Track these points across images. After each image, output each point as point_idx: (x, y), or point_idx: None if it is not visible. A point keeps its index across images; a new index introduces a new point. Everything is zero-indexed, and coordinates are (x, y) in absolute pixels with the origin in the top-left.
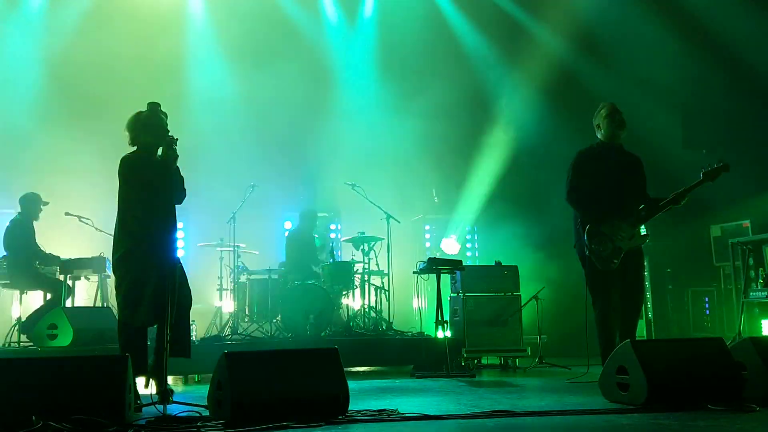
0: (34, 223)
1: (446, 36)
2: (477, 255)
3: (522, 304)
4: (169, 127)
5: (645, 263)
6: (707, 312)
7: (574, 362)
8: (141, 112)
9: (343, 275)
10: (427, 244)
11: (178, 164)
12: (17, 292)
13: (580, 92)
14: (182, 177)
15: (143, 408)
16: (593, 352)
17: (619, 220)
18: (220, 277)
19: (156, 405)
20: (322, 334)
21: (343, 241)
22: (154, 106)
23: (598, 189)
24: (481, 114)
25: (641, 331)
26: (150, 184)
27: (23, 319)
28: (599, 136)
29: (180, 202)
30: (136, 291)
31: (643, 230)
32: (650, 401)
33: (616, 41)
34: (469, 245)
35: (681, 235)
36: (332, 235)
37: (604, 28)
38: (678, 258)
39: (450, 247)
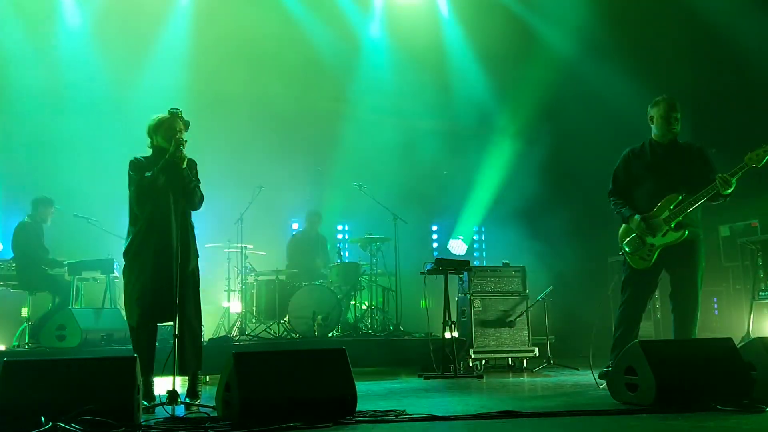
0: (44, 226)
1: (452, 37)
2: (484, 255)
3: (530, 304)
4: (186, 134)
5: (698, 259)
6: (716, 312)
7: (582, 363)
8: (160, 116)
9: (350, 276)
10: (435, 245)
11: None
12: (25, 293)
13: (588, 92)
14: (195, 180)
15: (154, 408)
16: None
17: (652, 216)
18: (228, 278)
19: (164, 406)
20: (330, 334)
21: (351, 241)
22: (173, 111)
23: (637, 188)
24: (488, 114)
25: (648, 331)
26: (154, 186)
27: (32, 321)
28: (653, 130)
29: (195, 207)
30: (136, 292)
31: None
32: (659, 402)
33: (624, 41)
34: (476, 246)
35: None
36: (339, 236)
37: (612, 29)
38: None
39: (457, 248)
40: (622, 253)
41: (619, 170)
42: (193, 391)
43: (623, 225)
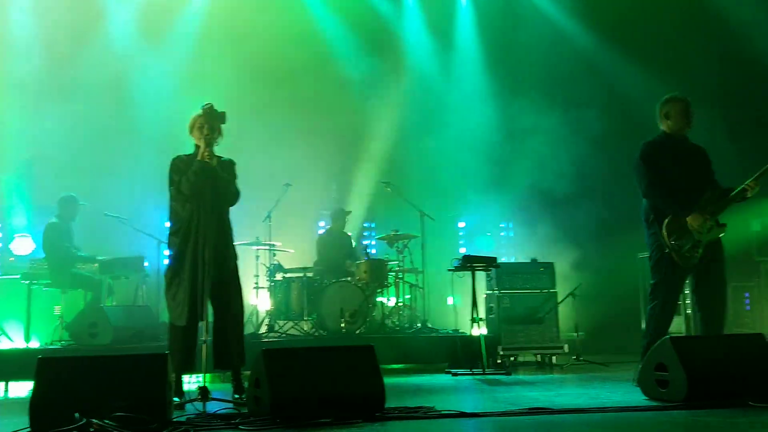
0: (72, 224)
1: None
2: (513, 252)
3: (558, 301)
4: (223, 126)
5: (724, 254)
6: (748, 308)
7: (612, 359)
8: (195, 114)
9: (377, 273)
10: (461, 241)
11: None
12: (58, 291)
13: (619, 89)
14: (229, 178)
15: (185, 405)
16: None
17: (698, 211)
18: (257, 276)
19: (195, 402)
20: (358, 331)
21: (378, 239)
22: (205, 108)
23: (672, 181)
24: (513, 108)
25: (679, 327)
26: (190, 188)
27: (65, 319)
28: (663, 126)
29: (231, 203)
30: (175, 290)
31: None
32: (690, 398)
33: (654, 36)
34: (504, 242)
35: None
36: (366, 234)
37: (643, 25)
38: None
39: (484, 244)
40: (668, 251)
41: (651, 163)
42: (240, 387)
43: (667, 220)
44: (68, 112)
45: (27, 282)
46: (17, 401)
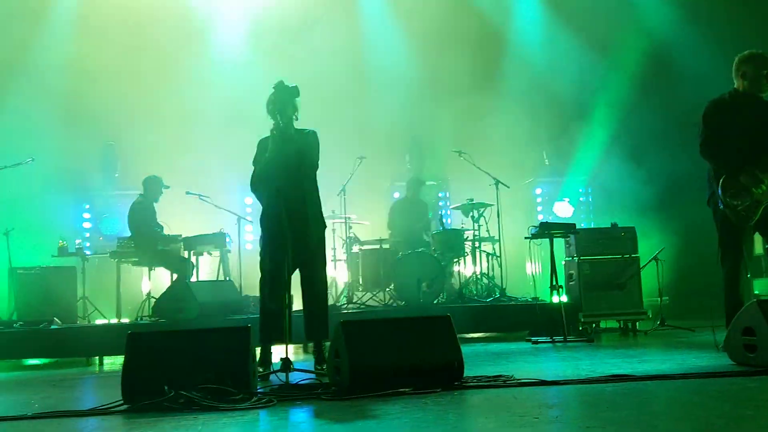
0: (155, 204)
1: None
2: (592, 217)
3: (641, 265)
4: (296, 99)
5: None
6: None
7: (698, 324)
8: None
9: (453, 243)
10: (539, 208)
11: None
12: (145, 268)
13: (695, 56)
14: (305, 150)
15: (269, 376)
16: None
17: (759, 171)
18: (333, 249)
19: (278, 373)
20: (435, 301)
21: (453, 208)
22: (276, 85)
23: (734, 140)
24: (592, 70)
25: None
26: (270, 166)
27: (153, 295)
28: (736, 83)
29: (307, 175)
30: (262, 264)
31: None
32: None
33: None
34: (583, 207)
35: None
36: (441, 203)
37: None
38: None
39: (563, 210)
40: (723, 208)
41: (713, 121)
42: (321, 357)
43: (723, 178)
44: (149, 95)
45: (115, 260)
46: (111, 374)
